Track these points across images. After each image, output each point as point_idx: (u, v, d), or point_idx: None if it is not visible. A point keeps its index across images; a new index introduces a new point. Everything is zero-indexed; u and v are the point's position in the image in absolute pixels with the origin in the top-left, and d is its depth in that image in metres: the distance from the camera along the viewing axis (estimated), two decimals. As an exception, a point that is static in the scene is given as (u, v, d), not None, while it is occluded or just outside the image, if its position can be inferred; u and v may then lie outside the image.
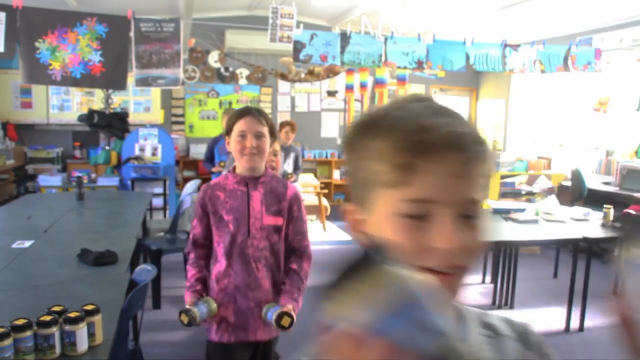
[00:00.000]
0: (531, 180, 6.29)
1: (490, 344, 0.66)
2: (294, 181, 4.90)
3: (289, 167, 5.17)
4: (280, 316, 1.78)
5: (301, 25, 4.54)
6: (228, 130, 1.86)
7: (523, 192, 6.17)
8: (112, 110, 6.21)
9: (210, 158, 5.32)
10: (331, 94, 8.58)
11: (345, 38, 4.57)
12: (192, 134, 7.92)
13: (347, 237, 6.47)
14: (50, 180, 5.57)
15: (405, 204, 0.55)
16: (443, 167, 0.54)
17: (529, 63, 5.12)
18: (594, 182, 5.96)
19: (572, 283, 3.61)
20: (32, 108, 6.93)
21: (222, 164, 4.89)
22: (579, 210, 4.32)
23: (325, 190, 7.61)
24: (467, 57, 4.91)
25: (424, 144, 0.54)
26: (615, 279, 0.63)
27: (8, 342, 1.33)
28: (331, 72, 6.16)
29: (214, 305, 1.86)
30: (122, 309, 1.81)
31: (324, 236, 6.38)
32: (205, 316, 1.82)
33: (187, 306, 1.84)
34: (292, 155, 5.32)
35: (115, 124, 6.08)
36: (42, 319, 1.41)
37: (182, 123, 7.92)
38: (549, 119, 7.48)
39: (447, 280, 0.55)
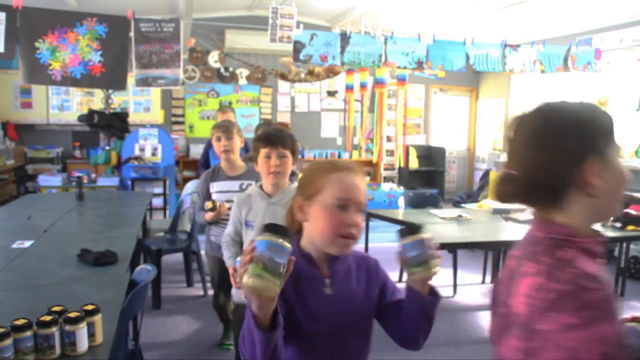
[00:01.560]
0: (531, 180, 6.28)
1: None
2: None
3: None
4: None
5: (301, 25, 4.55)
6: None
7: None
8: (112, 111, 6.21)
9: (205, 164, 4.68)
10: (331, 94, 8.58)
11: (345, 38, 4.57)
12: (192, 134, 7.92)
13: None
14: (50, 180, 5.57)
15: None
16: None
17: (529, 63, 5.12)
18: (594, 182, 5.95)
19: (572, 283, 3.61)
20: (32, 108, 6.93)
21: None
22: (579, 210, 4.31)
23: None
24: (467, 57, 4.91)
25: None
26: None
27: (8, 342, 1.33)
28: (331, 72, 6.15)
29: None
30: (122, 309, 1.81)
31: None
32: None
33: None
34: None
35: (115, 124, 6.08)
36: (42, 319, 1.41)
37: (182, 123, 7.92)
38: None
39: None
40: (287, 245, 0.95)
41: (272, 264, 0.92)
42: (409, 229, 1.16)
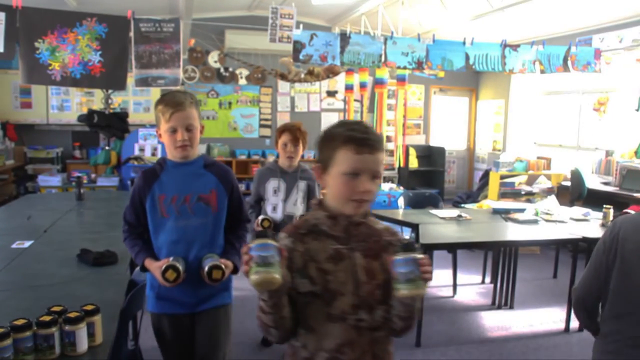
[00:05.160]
0: (531, 181, 6.29)
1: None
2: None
3: (297, 205, 3.06)
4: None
5: (301, 26, 4.54)
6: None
7: (523, 192, 6.16)
8: (111, 111, 6.21)
9: (139, 218, 1.97)
10: (331, 94, 8.58)
11: (345, 38, 4.57)
12: (191, 134, 7.91)
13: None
14: (50, 180, 5.56)
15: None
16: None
17: (529, 63, 5.12)
18: (594, 182, 5.96)
19: (571, 283, 3.61)
20: (31, 108, 6.93)
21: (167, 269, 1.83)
22: (578, 211, 4.32)
23: (325, 191, 7.60)
24: (467, 57, 4.91)
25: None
26: None
27: (8, 342, 1.33)
28: (331, 72, 6.16)
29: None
30: (122, 309, 1.81)
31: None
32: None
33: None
34: (303, 185, 3.08)
35: (115, 124, 6.08)
36: (41, 319, 1.41)
37: (182, 123, 7.91)
38: (548, 119, 7.49)
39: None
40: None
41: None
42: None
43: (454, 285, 4.41)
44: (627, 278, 1.57)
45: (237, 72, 7.91)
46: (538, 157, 6.68)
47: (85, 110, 6.28)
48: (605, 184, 5.93)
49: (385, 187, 7.85)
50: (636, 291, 1.55)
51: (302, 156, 3.12)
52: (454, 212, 4.19)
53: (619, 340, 1.60)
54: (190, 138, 1.88)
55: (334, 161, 1.25)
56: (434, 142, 9.17)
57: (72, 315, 1.45)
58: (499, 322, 3.80)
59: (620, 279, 1.58)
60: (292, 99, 8.39)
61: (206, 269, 1.83)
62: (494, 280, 4.29)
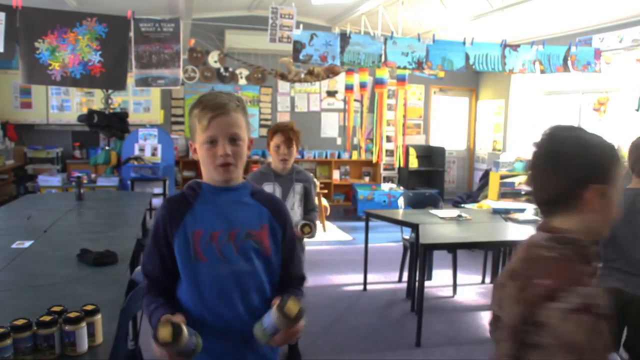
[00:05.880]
0: (531, 181, 6.29)
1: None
2: (311, 236, 2.82)
3: (294, 209, 2.90)
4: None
5: (301, 26, 4.55)
6: None
7: (523, 192, 6.16)
8: (111, 111, 6.21)
9: (164, 267, 1.43)
10: (331, 94, 8.58)
11: (345, 38, 4.57)
12: (191, 134, 7.91)
13: (346, 237, 6.46)
14: (50, 180, 5.57)
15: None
16: None
17: (529, 63, 5.13)
18: (594, 182, 5.95)
19: (571, 283, 3.61)
20: (31, 108, 6.93)
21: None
22: (578, 210, 4.31)
23: (325, 191, 7.61)
24: (467, 57, 4.91)
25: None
26: None
27: (8, 342, 1.33)
28: (331, 72, 6.16)
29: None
30: (122, 309, 1.81)
31: (324, 236, 6.38)
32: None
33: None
34: (299, 187, 2.93)
35: (115, 124, 6.08)
36: (41, 319, 1.41)
37: (182, 123, 7.92)
38: (548, 119, 7.48)
39: None
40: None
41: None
42: None
43: (454, 286, 4.41)
44: (616, 237, 2.29)
45: (237, 72, 7.92)
46: (538, 157, 6.67)
47: (85, 110, 6.29)
48: (605, 184, 5.93)
49: (386, 187, 7.86)
50: (620, 244, 2.31)
51: (302, 155, 3.09)
52: (454, 212, 4.20)
53: (610, 270, 2.35)
54: (234, 153, 1.35)
55: (614, 181, 1.10)
56: (434, 142, 9.17)
57: (72, 315, 1.45)
58: (499, 322, 3.81)
59: (611, 238, 2.30)
60: (292, 99, 8.40)
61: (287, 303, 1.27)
62: (494, 280, 4.29)
